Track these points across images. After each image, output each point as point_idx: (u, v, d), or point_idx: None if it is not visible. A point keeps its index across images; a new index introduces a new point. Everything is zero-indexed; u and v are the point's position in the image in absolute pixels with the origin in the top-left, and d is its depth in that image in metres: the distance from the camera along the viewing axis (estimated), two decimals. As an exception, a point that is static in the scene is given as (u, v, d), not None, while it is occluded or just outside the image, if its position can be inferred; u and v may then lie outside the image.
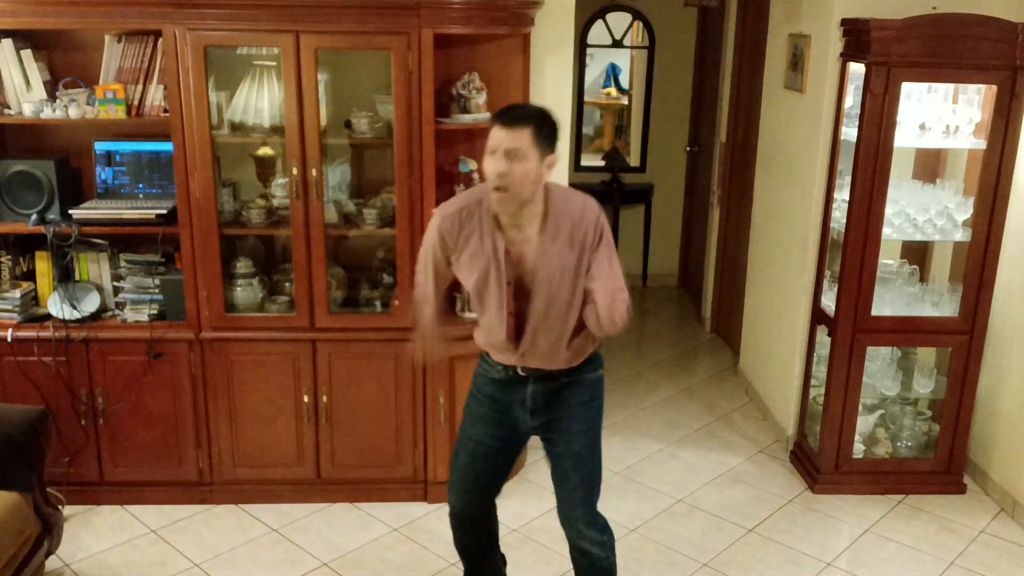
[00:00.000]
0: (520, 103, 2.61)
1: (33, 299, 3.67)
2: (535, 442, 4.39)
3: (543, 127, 2.52)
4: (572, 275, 2.57)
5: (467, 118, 3.64)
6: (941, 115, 3.74)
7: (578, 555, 2.83)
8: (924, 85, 3.71)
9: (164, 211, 3.54)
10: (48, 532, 3.14)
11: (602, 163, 6.96)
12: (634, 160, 7.02)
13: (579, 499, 2.76)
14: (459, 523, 2.95)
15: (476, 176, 3.78)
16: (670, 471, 4.20)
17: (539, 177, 2.53)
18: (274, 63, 3.53)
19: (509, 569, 3.37)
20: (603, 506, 3.87)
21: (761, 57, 4.92)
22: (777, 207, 4.63)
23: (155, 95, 3.53)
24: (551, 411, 2.75)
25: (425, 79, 3.39)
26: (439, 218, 2.65)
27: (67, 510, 3.63)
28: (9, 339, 3.53)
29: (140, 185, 3.68)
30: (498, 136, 2.48)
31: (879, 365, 4.07)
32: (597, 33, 6.80)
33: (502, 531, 3.65)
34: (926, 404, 4.21)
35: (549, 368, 2.69)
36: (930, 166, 4.21)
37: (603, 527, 2.81)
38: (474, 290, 2.65)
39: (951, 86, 3.75)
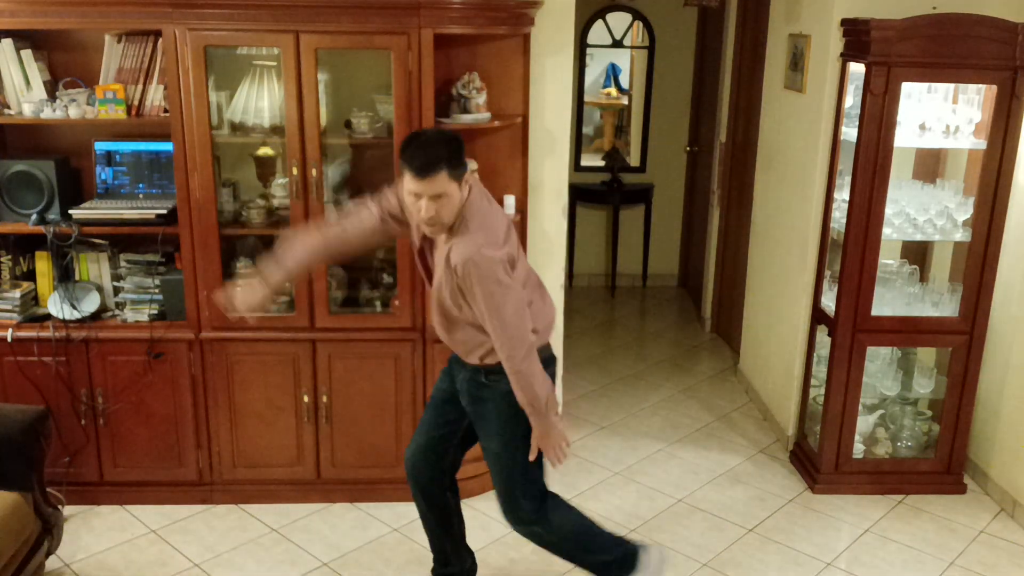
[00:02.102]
0: (421, 138, 2.58)
1: (33, 299, 3.67)
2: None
3: (453, 160, 2.54)
4: (449, 292, 2.68)
5: (467, 118, 3.64)
6: (941, 115, 3.74)
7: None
8: (924, 85, 3.71)
9: (164, 211, 3.54)
10: (48, 532, 3.14)
11: (602, 163, 6.95)
12: (634, 160, 7.02)
13: (500, 488, 2.93)
14: (412, 482, 3.06)
15: (476, 176, 3.78)
16: (670, 471, 4.20)
17: (462, 198, 2.62)
18: (274, 63, 3.53)
19: (510, 569, 3.38)
20: (603, 506, 3.88)
21: (761, 57, 4.92)
22: (777, 207, 4.63)
23: (155, 95, 3.53)
24: (471, 403, 2.89)
25: (425, 79, 3.39)
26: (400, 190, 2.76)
27: (67, 510, 3.63)
28: (9, 339, 3.53)
29: (140, 185, 3.68)
30: (416, 185, 2.53)
31: (879, 365, 4.07)
32: (597, 33, 6.80)
33: (501, 531, 3.66)
34: (926, 404, 4.21)
35: (462, 359, 2.85)
36: (930, 166, 4.21)
37: (528, 519, 2.93)
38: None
39: (951, 86, 3.75)
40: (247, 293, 2.85)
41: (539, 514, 2.92)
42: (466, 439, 3.05)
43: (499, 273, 2.57)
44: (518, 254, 2.72)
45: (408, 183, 2.54)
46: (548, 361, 2.83)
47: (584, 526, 2.99)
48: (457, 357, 2.91)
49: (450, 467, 3.07)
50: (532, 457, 2.78)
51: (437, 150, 2.53)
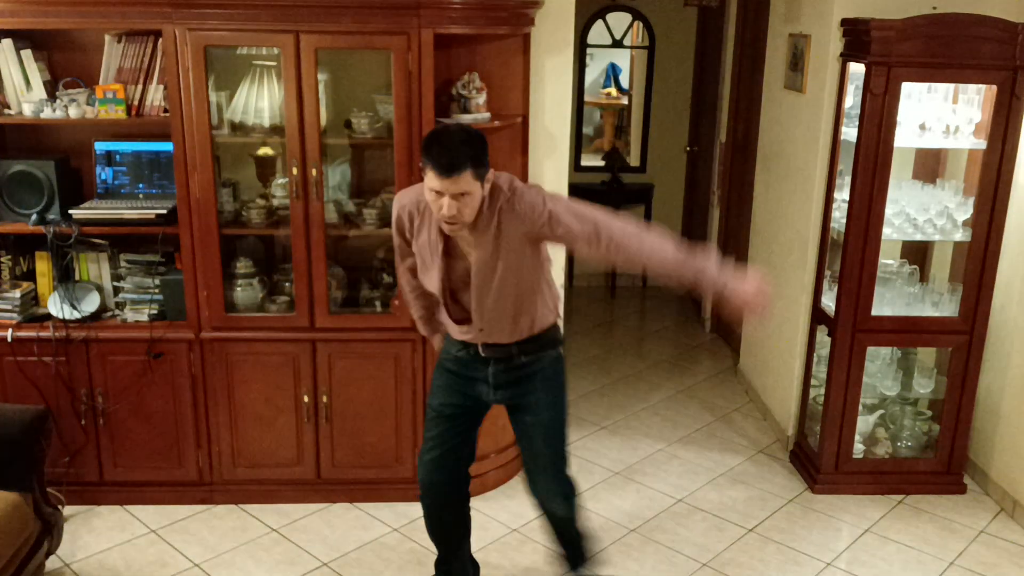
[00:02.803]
0: (445, 137, 2.54)
1: (33, 299, 3.67)
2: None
3: (478, 159, 2.54)
4: (514, 265, 2.69)
5: (467, 118, 3.64)
6: (941, 115, 3.74)
7: (547, 515, 3.01)
8: (924, 85, 3.71)
9: (164, 211, 3.54)
10: (48, 532, 3.14)
11: (602, 163, 6.96)
12: (634, 160, 7.02)
13: (547, 462, 2.92)
14: (429, 495, 3.02)
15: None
16: (670, 471, 4.20)
17: (483, 196, 2.62)
18: (274, 63, 3.53)
19: (510, 569, 3.38)
20: (603, 506, 3.88)
21: (761, 57, 4.92)
22: (777, 207, 4.63)
23: (155, 95, 3.53)
24: (516, 386, 2.88)
25: (425, 79, 3.39)
26: (398, 204, 2.79)
27: (67, 510, 3.63)
28: (9, 339, 3.53)
29: (140, 185, 3.68)
30: (439, 184, 2.52)
31: (879, 365, 4.07)
32: (597, 33, 6.80)
33: (501, 531, 3.66)
34: (926, 404, 4.20)
35: (507, 342, 2.81)
36: (930, 166, 4.21)
37: (569, 488, 2.98)
38: (421, 277, 2.84)
39: (951, 86, 3.75)
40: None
41: (574, 481, 3.01)
42: (475, 428, 3.05)
43: (544, 197, 2.66)
44: None
45: (431, 181, 2.53)
46: (559, 341, 2.93)
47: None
48: (475, 356, 2.85)
49: (467, 461, 3.06)
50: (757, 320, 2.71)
51: (463, 150, 2.51)
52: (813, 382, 4.21)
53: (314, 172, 3.45)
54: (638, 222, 2.67)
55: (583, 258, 2.83)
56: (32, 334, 3.54)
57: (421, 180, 3.44)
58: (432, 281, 2.78)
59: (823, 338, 4.06)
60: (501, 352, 2.83)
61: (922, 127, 3.77)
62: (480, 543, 3.55)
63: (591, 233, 2.61)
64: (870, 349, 3.91)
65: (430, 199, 2.58)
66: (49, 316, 3.58)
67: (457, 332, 2.85)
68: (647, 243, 2.61)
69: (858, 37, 3.66)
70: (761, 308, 2.59)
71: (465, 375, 2.91)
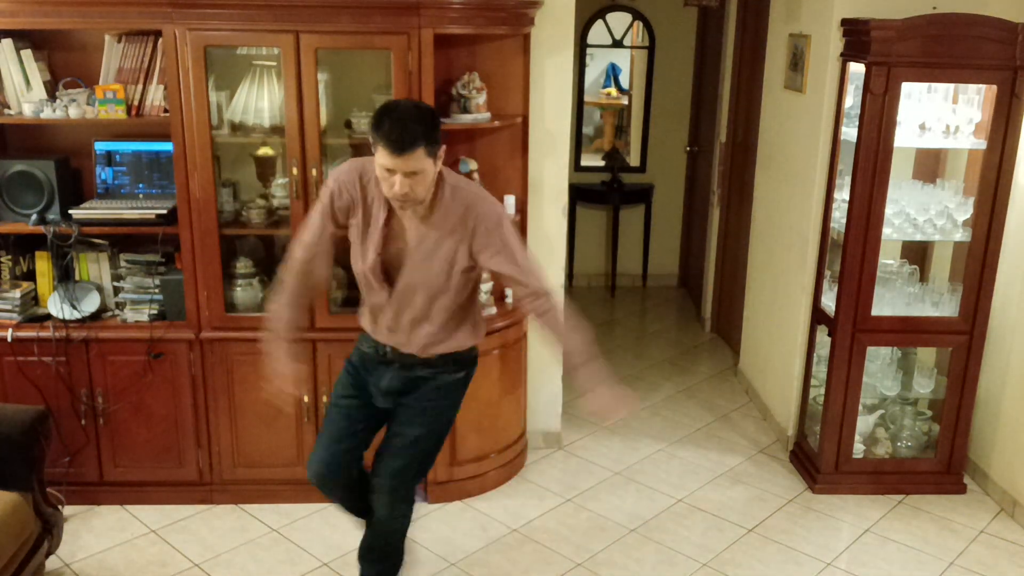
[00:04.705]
0: (396, 112, 2.47)
1: (33, 299, 3.67)
2: (537, 441, 4.40)
3: (430, 136, 2.47)
4: (446, 264, 2.63)
5: (467, 118, 3.64)
6: (941, 115, 3.74)
7: (372, 511, 2.90)
8: (924, 85, 3.70)
9: (164, 211, 3.54)
10: (48, 532, 3.14)
11: (602, 163, 6.95)
12: (634, 160, 7.02)
13: (393, 473, 2.82)
14: (321, 486, 2.92)
15: (476, 176, 3.78)
16: (670, 471, 4.20)
17: (435, 173, 2.56)
18: (274, 63, 3.53)
19: (509, 569, 3.37)
20: (603, 506, 3.88)
21: (761, 57, 4.92)
22: (777, 207, 4.63)
23: (155, 95, 3.53)
24: (404, 395, 2.81)
25: (425, 79, 3.39)
26: (335, 180, 2.68)
27: (67, 510, 3.63)
28: (9, 339, 3.53)
29: (140, 185, 3.68)
30: (391, 161, 2.45)
31: (879, 365, 4.07)
32: (597, 33, 6.80)
33: (501, 531, 3.66)
34: (926, 404, 4.20)
35: (409, 351, 2.74)
36: (930, 166, 4.20)
37: (411, 498, 2.91)
38: (356, 255, 2.70)
39: (951, 86, 3.75)
40: (284, 378, 2.82)
41: (414, 498, 2.95)
42: (369, 430, 2.94)
43: (502, 214, 2.65)
44: None
45: (382, 158, 2.45)
46: (471, 363, 2.88)
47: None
48: (383, 358, 2.79)
49: (360, 458, 2.96)
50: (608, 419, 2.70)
51: (415, 127, 2.44)
52: (813, 382, 4.21)
53: (314, 172, 3.45)
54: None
55: (514, 295, 2.82)
56: (32, 334, 3.54)
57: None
58: (366, 257, 2.66)
59: (823, 338, 4.06)
60: (407, 359, 2.77)
61: (922, 127, 3.77)
62: (480, 543, 3.55)
63: (535, 281, 2.62)
64: (870, 349, 3.91)
65: (380, 176, 2.50)
66: (49, 316, 3.58)
67: (371, 326, 2.79)
68: (553, 321, 2.66)
69: (858, 37, 3.66)
70: (610, 419, 2.68)
71: (364, 372, 2.85)
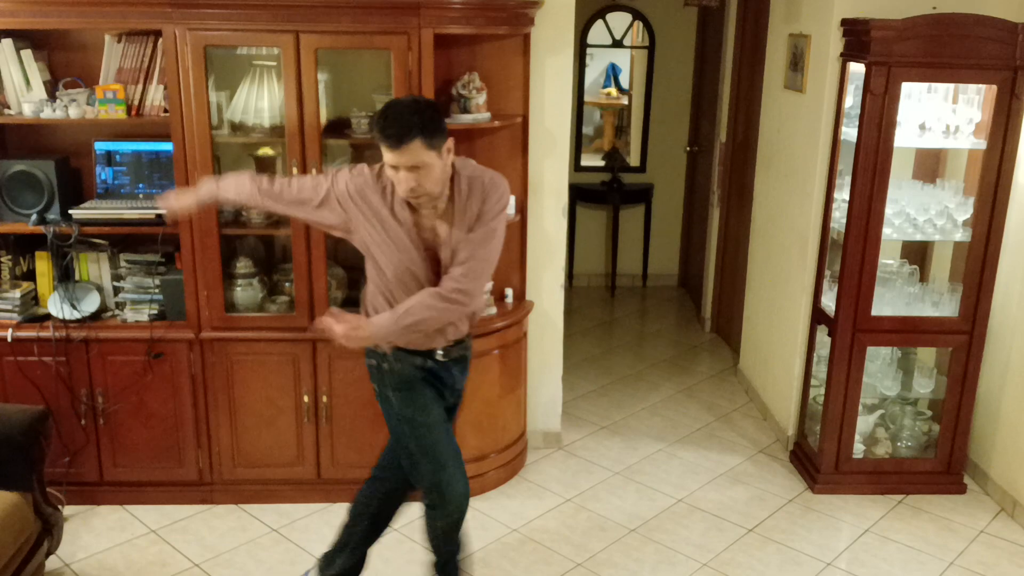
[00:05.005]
0: (393, 108, 2.49)
1: (33, 299, 3.67)
2: (537, 441, 4.40)
3: (428, 128, 2.47)
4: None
5: (467, 118, 3.64)
6: (941, 115, 3.74)
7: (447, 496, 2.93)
8: (924, 85, 3.71)
9: (164, 211, 3.53)
10: (48, 532, 3.14)
11: (602, 163, 6.95)
12: (634, 160, 7.02)
13: (457, 455, 2.91)
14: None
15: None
16: (670, 471, 4.20)
17: (446, 168, 2.57)
18: (274, 63, 3.53)
19: (509, 569, 3.37)
20: (603, 506, 3.88)
21: (761, 57, 4.92)
22: (777, 207, 4.63)
23: (155, 95, 3.53)
24: (460, 380, 2.92)
25: (425, 79, 3.39)
26: (359, 175, 2.67)
27: (67, 510, 3.63)
28: (9, 339, 3.53)
29: (140, 185, 3.68)
30: (391, 157, 2.47)
31: (879, 365, 4.07)
32: (597, 33, 6.80)
33: (501, 531, 3.67)
34: (926, 404, 4.20)
35: (459, 336, 2.81)
36: (930, 166, 4.21)
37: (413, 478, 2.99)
38: (393, 269, 2.66)
39: (951, 86, 3.75)
40: (180, 198, 2.94)
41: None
42: None
43: (506, 204, 2.65)
44: None
45: (385, 155, 2.48)
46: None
47: None
48: (448, 358, 2.82)
49: None
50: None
51: (410, 119, 2.45)
52: (813, 382, 4.21)
53: (314, 172, 3.44)
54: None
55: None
56: (32, 334, 3.54)
57: None
58: (412, 258, 2.64)
59: (823, 338, 4.06)
60: (461, 346, 2.84)
61: (922, 127, 3.77)
62: (480, 543, 3.55)
63: (464, 280, 2.62)
64: (870, 349, 3.91)
65: (391, 176, 2.53)
66: (49, 316, 3.59)
67: (423, 340, 2.75)
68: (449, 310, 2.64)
69: (858, 37, 3.66)
70: (332, 333, 2.61)
71: (436, 380, 2.84)
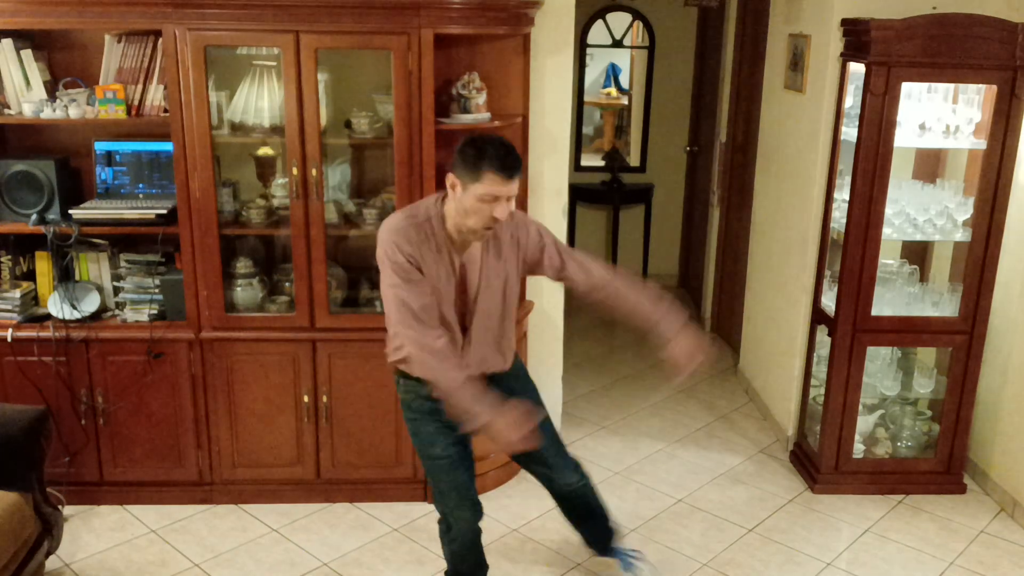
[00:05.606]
0: (496, 141, 2.54)
1: (33, 299, 3.67)
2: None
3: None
4: (512, 283, 2.81)
5: (467, 118, 3.64)
6: (941, 115, 3.74)
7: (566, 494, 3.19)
8: (924, 85, 3.70)
9: (164, 211, 3.54)
10: (48, 532, 3.14)
11: (602, 163, 6.96)
12: (634, 160, 7.02)
13: (553, 446, 3.06)
14: (475, 537, 3.01)
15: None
16: (670, 471, 4.20)
17: None
18: (274, 63, 3.53)
19: (509, 569, 3.37)
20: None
21: (761, 57, 4.92)
22: (777, 207, 4.63)
23: (155, 95, 3.53)
24: (517, 391, 2.91)
25: (425, 79, 3.39)
26: (396, 236, 2.61)
27: (67, 510, 3.63)
28: (9, 339, 3.53)
29: (140, 185, 3.68)
30: (502, 188, 2.51)
31: (879, 365, 4.07)
32: (597, 33, 6.80)
33: (502, 531, 3.67)
34: (926, 404, 4.20)
35: (496, 369, 2.89)
36: (930, 166, 4.21)
37: (575, 462, 3.17)
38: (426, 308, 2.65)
39: (951, 86, 3.75)
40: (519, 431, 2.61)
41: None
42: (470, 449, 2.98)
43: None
44: None
45: (492, 186, 2.48)
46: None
47: None
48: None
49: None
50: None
51: (518, 156, 2.56)
52: (813, 382, 4.21)
53: (314, 172, 3.45)
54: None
55: (577, 291, 3.00)
56: (32, 334, 3.54)
57: (421, 181, 3.46)
58: (445, 307, 2.69)
59: (823, 338, 4.06)
60: (496, 376, 2.90)
61: (922, 127, 3.77)
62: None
63: (580, 262, 2.89)
64: (870, 349, 3.91)
65: (478, 207, 2.51)
66: (49, 316, 3.58)
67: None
68: (624, 281, 2.89)
69: (858, 37, 3.66)
70: (689, 367, 2.86)
71: (444, 410, 2.75)
